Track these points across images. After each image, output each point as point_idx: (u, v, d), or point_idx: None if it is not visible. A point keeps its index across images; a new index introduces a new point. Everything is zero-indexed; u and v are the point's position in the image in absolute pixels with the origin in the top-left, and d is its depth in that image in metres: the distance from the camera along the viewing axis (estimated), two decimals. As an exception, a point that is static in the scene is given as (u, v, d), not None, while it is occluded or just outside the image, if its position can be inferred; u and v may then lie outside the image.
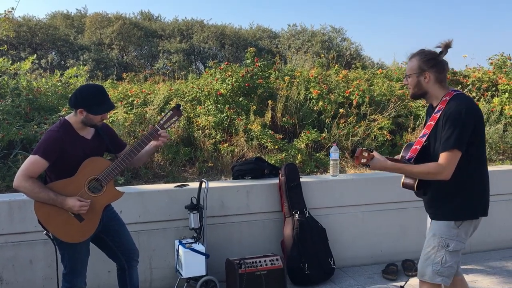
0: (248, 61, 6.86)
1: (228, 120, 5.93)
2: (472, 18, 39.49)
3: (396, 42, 35.42)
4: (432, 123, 2.65)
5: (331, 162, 4.90)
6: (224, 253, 4.31)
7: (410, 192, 4.89)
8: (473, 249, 5.22)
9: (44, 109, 5.84)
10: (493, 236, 5.28)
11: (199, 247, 4.03)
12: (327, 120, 6.14)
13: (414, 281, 4.24)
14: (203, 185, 4.21)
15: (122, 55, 19.95)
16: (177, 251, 4.13)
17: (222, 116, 5.96)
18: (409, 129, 6.54)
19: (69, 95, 6.64)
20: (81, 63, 15.44)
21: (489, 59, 8.50)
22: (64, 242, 2.94)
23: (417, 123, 6.60)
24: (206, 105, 6.25)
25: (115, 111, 6.01)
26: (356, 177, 4.99)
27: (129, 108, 6.07)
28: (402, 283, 4.27)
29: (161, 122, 3.06)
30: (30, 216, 3.61)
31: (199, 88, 6.49)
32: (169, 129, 3.17)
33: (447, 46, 2.69)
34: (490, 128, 6.43)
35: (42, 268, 3.94)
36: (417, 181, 2.73)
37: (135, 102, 6.25)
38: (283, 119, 6.07)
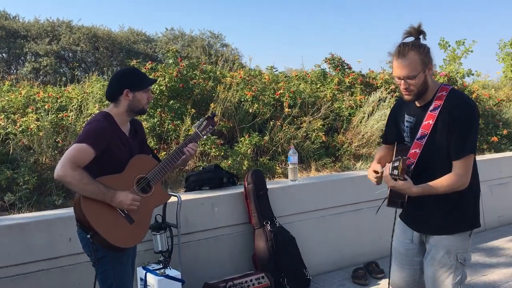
0: (171, 60, 6.29)
1: (163, 126, 5.31)
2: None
3: (263, 47, 36.62)
4: (431, 122, 2.35)
5: (290, 166, 4.64)
6: (194, 275, 3.78)
7: (364, 192, 4.89)
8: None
9: None
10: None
11: (173, 272, 3.46)
12: (270, 123, 5.84)
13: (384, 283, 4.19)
14: (170, 199, 3.64)
15: (-23, 58, 17.40)
16: (144, 280, 3.49)
17: (154, 121, 5.32)
18: (341, 130, 6.56)
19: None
20: None
21: (389, 62, 8.95)
22: (108, 255, 2.52)
23: (344, 125, 6.63)
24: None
25: (24, 119, 5.03)
26: (316, 181, 4.79)
27: (41, 115, 5.11)
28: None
29: (199, 129, 2.89)
30: None
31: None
32: (204, 137, 2.99)
33: (420, 33, 2.35)
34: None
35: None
36: (407, 196, 2.40)
37: (46, 107, 5.28)
38: (221, 122, 5.63)
